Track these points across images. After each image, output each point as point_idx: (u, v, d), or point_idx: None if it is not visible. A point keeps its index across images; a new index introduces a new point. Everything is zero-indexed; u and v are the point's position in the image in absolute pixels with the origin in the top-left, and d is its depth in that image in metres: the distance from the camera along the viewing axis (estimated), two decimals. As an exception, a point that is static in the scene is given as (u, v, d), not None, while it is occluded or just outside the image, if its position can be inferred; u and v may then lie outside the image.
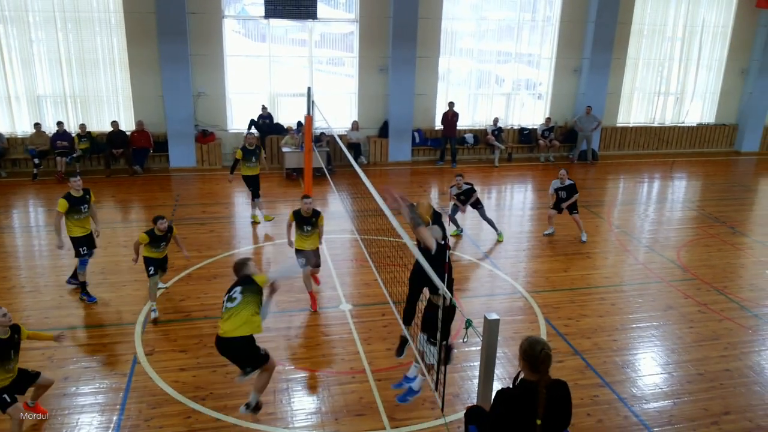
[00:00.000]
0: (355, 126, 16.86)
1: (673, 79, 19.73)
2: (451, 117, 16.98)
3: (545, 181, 16.01)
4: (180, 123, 15.83)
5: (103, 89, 15.89)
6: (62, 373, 7.06)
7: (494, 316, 4.52)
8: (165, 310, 8.61)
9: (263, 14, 16.07)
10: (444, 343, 5.32)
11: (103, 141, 15.52)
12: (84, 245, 8.86)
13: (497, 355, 4.64)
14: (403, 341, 6.83)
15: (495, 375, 4.59)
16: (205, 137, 16.28)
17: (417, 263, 5.87)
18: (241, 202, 13.78)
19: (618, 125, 19.49)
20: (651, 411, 6.80)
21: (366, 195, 9.04)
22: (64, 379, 6.95)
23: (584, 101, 18.26)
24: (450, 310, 5.45)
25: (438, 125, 17.79)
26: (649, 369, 7.66)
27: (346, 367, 7.44)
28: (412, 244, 5.96)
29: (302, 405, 6.77)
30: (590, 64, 18.08)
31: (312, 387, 7.09)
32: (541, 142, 18.09)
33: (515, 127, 18.71)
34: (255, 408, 6.32)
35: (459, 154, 17.69)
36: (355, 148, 16.42)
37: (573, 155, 18.47)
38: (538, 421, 3.78)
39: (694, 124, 20.26)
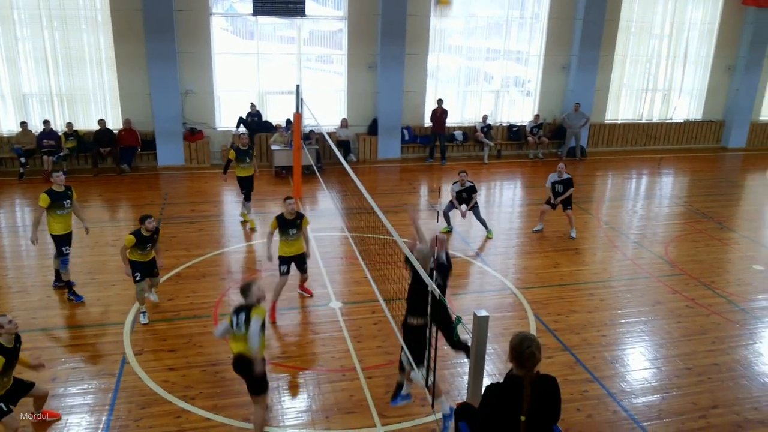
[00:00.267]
0: (345, 123, 16.83)
1: (660, 75, 19.85)
2: (440, 114, 16.99)
3: (534, 177, 16.08)
4: (168, 121, 15.73)
5: (90, 87, 15.76)
6: (50, 374, 7.00)
7: (484, 313, 4.54)
8: (154, 309, 8.55)
9: (251, 11, 16.00)
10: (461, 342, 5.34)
11: (90, 139, 15.39)
12: (66, 244, 8.78)
13: (487, 351, 4.66)
14: (399, 386, 6.50)
15: (485, 371, 4.61)
16: (193, 135, 16.20)
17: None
18: (230, 200, 13.73)
19: (606, 122, 19.58)
20: (640, 405, 6.85)
21: (355, 192, 9.03)
22: (52, 380, 6.89)
23: (573, 98, 18.33)
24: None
25: (427, 122, 17.80)
26: (638, 364, 7.71)
27: (337, 365, 7.43)
28: (401, 242, 5.96)
29: (293, 403, 6.76)
30: (578, 61, 18.15)
31: (302, 385, 7.08)
32: (530, 139, 18.14)
33: (504, 124, 18.75)
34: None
35: (448, 151, 17.70)
36: (344, 145, 16.39)
37: (562, 152, 18.53)
38: (522, 418, 3.80)
39: (682, 121, 20.40)
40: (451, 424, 5.88)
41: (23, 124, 14.97)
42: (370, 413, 6.56)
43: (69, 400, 6.62)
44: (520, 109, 19.13)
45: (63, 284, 8.98)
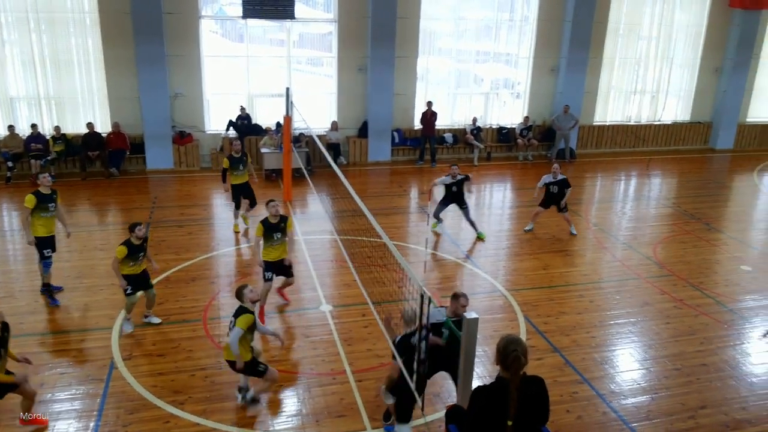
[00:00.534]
0: (335, 126, 16.82)
1: (648, 77, 19.96)
2: (430, 116, 17.01)
3: (524, 179, 16.13)
4: (157, 124, 15.64)
5: (78, 90, 15.65)
6: (38, 380, 6.93)
7: (473, 315, 4.55)
8: (142, 313, 8.45)
9: (241, 14, 15.96)
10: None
11: (79, 143, 15.28)
12: (49, 247, 8.74)
13: (477, 353, 4.67)
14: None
15: (475, 374, 4.61)
16: (182, 138, 16.13)
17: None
18: (219, 203, 13.68)
19: (595, 124, 19.67)
20: (629, 406, 6.88)
21: (345, 195, 9.02)
22: (40, 386, 6.82)
23: (562, 100, 18.40)
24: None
25: (417, 125, 17.82)
26: (627, 365, 7.75)
27: (327, 369, 7.42)
28: (391, 244, 5.96)
29: (283, 407, 6.74)
30: (567, 64, 18.24)
31: (292, 389, 7.06)
32: (519, 141, 18.19)
33: (494, 127, 18.80)
34: (252, 401, 6.58)
35: (438, 153, 17.72)
36: (334, 148, 16.38)
37: (551, 154, 18.60)
38: (509, 422, 3.80)
39: (670, 122, 20.54)
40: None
41: (10, 127, 14.84)
42: (360, 417, 6.55)
43: (56, 406, 6.57)
44: (509, 111, 19.18)
45: (51, 289, 8.93)
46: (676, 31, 19.60)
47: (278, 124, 15.87)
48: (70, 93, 15.61)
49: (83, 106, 15.80)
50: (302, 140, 15.92)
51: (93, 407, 6.57)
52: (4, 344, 5.84)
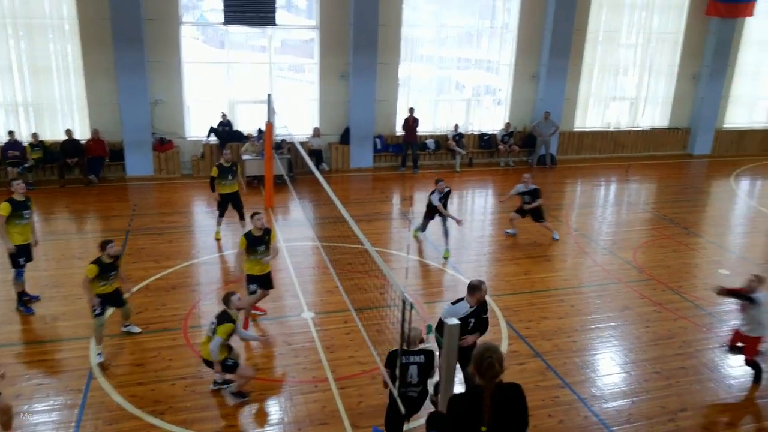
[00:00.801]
0: (317, 133, 16.80)
1: (627, 84, 20.23)
2: (411, 123, 17.06)
3: (506, 185, 16.19)
4: (137, 131, 15.50)
5: (57, 97, 15.47)
6: (14, 391, 6.81)
7: (454, 321, 4.56)
8: (121, 322, 8.33)
9: (222, 20, 15.91)
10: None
11: (57, 150, 15.09)
12: (23, 255, 8.61)
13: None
14: None
15: (456, 380, 4.61)
16: (162, 145, 16.00)
17: None
18: (200, 211, 13.58)
19: (575, 130, 19.86)
20: (610, 410, 6.92)
21: (327, 202, 9.00)
22: (16, 397, 6.70)
23: (542, 107, 18.56)
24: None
25: (399, 131, 17.86)
26: (608, 369, 7.80)
27: (309, 376, 7.38)
28: (373, 250, 5.95)
29: (264, 415, 6.69)
30: (548, 71, 18.41)
31: (274, 397, 7.01)
32: (500, 147, 18.31)
33: (475, 133, 18.90)
34: (234, 395, 6.82)
35: (420, 159, 17.77)
36: (316, 155, 16.36)
37: (532, 160, 18.74)
38: (483, 429, 3.80)
39: (648, 129, 20.79)
40: None
41: (-13, 134, 14.65)
42: (342, 424, 6.52)
43: (34, 418, 6.46)
44: (491, 117, 19.31)
45: (28, 297, 8.80)
46: (654, 39, 19.88)
47: (260, 131, 15.82)
48: (48, 99, 15.43)
49: (62, 112, 15.61)
50: (284, 147, 15.88)
51: (71, 418, 6.46)
52: None
